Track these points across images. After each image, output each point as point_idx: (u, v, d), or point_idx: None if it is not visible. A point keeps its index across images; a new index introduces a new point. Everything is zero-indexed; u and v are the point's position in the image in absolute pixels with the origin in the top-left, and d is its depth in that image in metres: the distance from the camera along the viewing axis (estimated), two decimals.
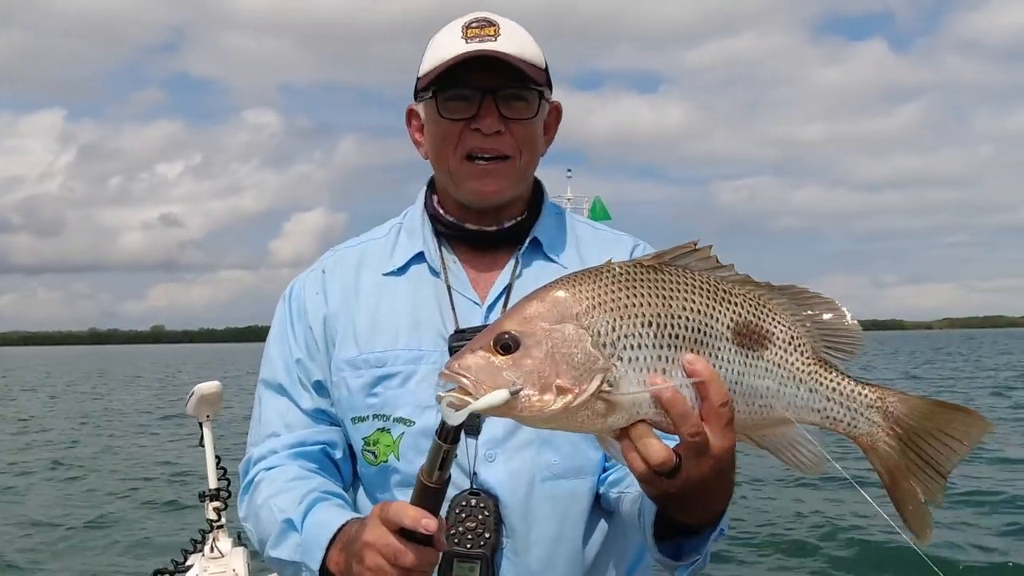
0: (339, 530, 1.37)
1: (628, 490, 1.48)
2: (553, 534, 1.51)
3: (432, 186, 1.69)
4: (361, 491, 1.62)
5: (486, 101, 1.51)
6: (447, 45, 1.54)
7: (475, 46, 1.51)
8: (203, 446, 3.88)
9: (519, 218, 1.63)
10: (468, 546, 1.46)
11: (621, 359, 1.07)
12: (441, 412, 1.08)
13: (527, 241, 1.62)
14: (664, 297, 1.10)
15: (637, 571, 1.65)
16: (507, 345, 1.07)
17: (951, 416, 1.16)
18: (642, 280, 1.11)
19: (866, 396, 1.16)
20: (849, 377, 1.17)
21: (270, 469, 1.57)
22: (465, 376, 1.07)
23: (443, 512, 1.26)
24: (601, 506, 1.56)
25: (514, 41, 1.53)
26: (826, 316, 1.18)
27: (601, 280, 1.10)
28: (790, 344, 1.15)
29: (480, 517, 1.47)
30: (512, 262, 1.61)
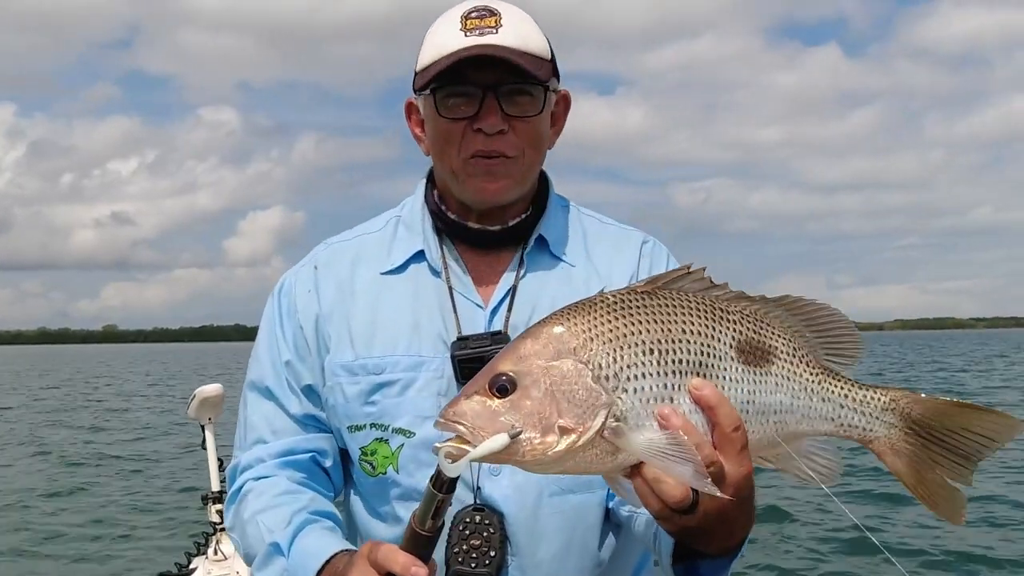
0: (327, 562, 1.32)
1: (641, 511, 1.41)
2: (561, 550, 1.45)
3: (432, 179, 1.60)
4: (358, 500, 1.56)
5: (488, 99, 1.42)
6: (446, 38, 1.44)
7: (475, 40, 1.41)
8: (205, 448, 3.86)
9: (524, 215, 1.54)
10: (473, 565, 1.39)
11: (626, 391, 1.03)
12: (439, 463, 1.03)
13: (532, 240, 1.54)
14: (663, 322, 1.06)
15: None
16: (504, 387, 1.02)
17: (976, 416, 1.14)
18: (638, 307, 1.06)
19: (879, 399, 1.14)
20: (857, 383, 1.15)
21: (258, 479, 1.51)
22: (461, 423, 1.02)
23: (446, 529, 1.22)
24: (608, 519, 1.51)
25: (517, 33, 1.43)
26: (823, 323, 1.15)
27: (596, 311, 1.06)
28: (794, 356, 1.12)
29: (485, 534, 1.40)
30: (516, 262, 1.53)
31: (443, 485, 1.08)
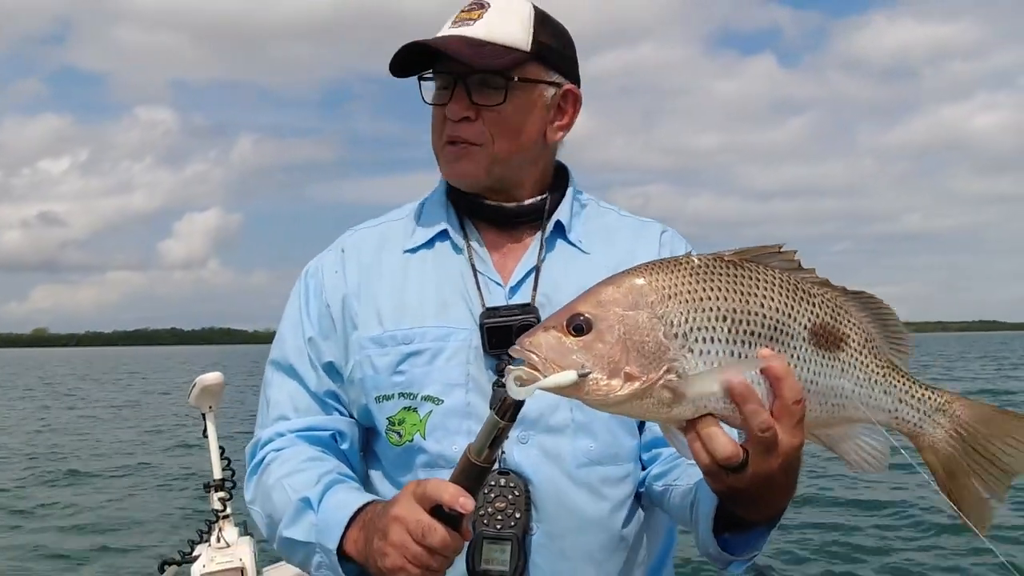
0: (359, 510, 1.33)
1: (677, 483, 1.45)
2: (587, 520, 1.47)
3: None
4: (379, 474, 1.58)
5: (457, 88, 1.50)
6: (437, 28, 1.54)
7: (450, 31, 1.51)
8: (206, 437, 3.86)
9: (540, 197, 1.60)
10: (498, 527, 1.41)
11: (692, 351, 1.06)
12: (507, 386, 1.06)
13: (552, 224, 1.59)
14: (742, 293, 1.09)
15: (668, 558, 1.63)
16: (580, 327, 1.06)
17: (1020, 426, 1.18)
18: (721, 274, 1.10)
19: (935, 399, 1.18)
20: (917, 380, 1.18)
21: (280, 450, 1.53)
22: (535, 353, 1.06)
23: None
24: (633, 494, 1.54)
25: (491, 25, 1.49)
26: (888, 320, 1.19)
27: (679, 271, 1.09)
28: (864, 346, 1.15)
29: (510, 497, 1.43)
30: (536, 243, 1.57)
31: (507, 411, 1.11)
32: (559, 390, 1.05)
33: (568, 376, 1.03)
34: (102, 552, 8.67)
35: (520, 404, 1.10)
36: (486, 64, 1.47)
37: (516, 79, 1.50)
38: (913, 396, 1.17)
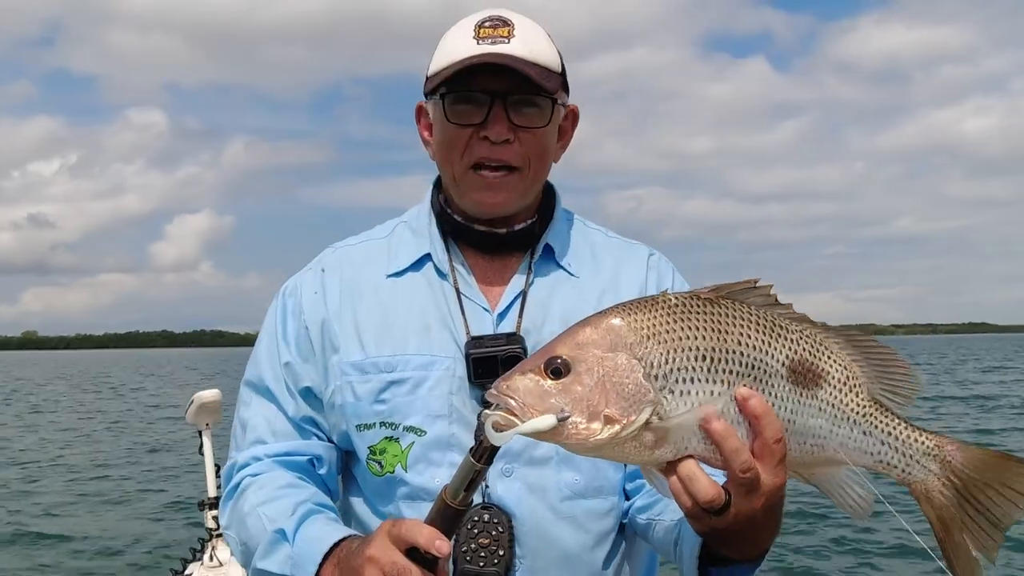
0: (335, 545, 1.30)
1: (660, 517, 1.44)
2: (570, 554, 1.45)
3: (439, 184, 1.61)
4: (359, 501, 1.55)
5: (496, 107, 1.43)
6: (458, 44, 1.46)
7: (487, 48, 1.43)
8: (202, 454, 3.85)
9: (530, 221, 1.56)
10: (481, 564, 1.39)
11: (672, 392, 1.05)
12: (485, 431, 1.05)
13: (540, 248, 1.55)
14: (719, 331, 1.08)
15: None
16: (558, 370, 1.05)
17: (1016, 470, 1.13)
18: (698, 313, 1.09)
19: (923, 443, 1.13)
20: (906, 422, 1.14)
21: (257, 476, 1.49)
22: (513, 397, 1.04)
23: None
24: (617, 526, 1.51)
25: (527, 44, 1.45)
26: (881, 360, 1.15)
27: (657, 310, 1.08)
28: (845, 384, 1.13)
29: (494, 533, 1.40)
30: (525, 268, 1.54)
31: (483, 455, 1.09)
32: (538, 435, 1.03)
33: (547, 420, 1.02)
34: (91, 571, 8.63)
35: (496, 449, 1.08)
36: (546, 85, 1.44)
37: (558, 100, 1.49)
38: (896, 438, 1.13)
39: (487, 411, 1.06)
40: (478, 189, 1.48)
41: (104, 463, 15.25)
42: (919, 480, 1.13)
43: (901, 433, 1.13)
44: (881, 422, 1.13)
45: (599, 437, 1.03)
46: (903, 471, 1.13)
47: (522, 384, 1.05)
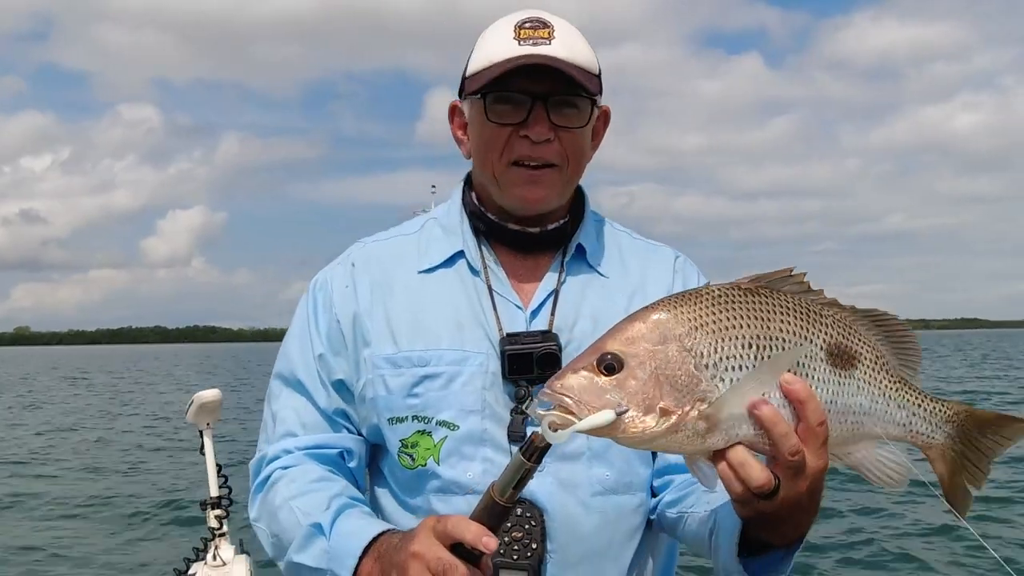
0: (374, 539, 1.30)
1: (692, 510, 1.46)
2: (601, 549, 1.48)
3: (469, 182, 1.63)
4: (387, 494, 1.56)
5: (537, 108, 1.46)
6: (499, 46, 1.48)
7: (528, 49, 1.45)
8: (203, 454, 3.84)
9: (562, 221, 1.58)
10: (515, 557, 1.41)
11: (723, 380, 1.08)
12: (541, 431, 1.06)
13: (572, 247, 1.58)
14: (762, 319, 1.12)
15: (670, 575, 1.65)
16: (611, 366, 1.07)
17: (1013, 425, 1.25)
18: (741, 302, 1.13)
19: (944, 411, 1.23)
20: (927, 394, 1.23)
21: (287, 468, 1.50)
22: (568, 396, 1.06)
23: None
24: (645, 522, 1.55)
25: (568, 45, 1.47)
26: (898, 336, 1.23)
27: (701, 302, 1.12)
28: (876, 363, 1.19)
29: (527, 527, 1.43)
30: (557, 267, 1.56)
31: (534, 454, 1.10)
32: (595, 431, 1.06)
33: (605, 416, 1.04)
34: (95, 569, 8.57)
35: (547, 448, 1.09)
36: (587, 86, 1.46)
37: (596, 102, 1.52)
38: (924, 409, 1.21)
39: (539, 410, 1.07)
40: (520, 184, 1.50)
41: (105, 463, 15.09)
42: (939, 443, 1.23)
43: (928, 404, 1.22)
44: (910, 395, 1.21)
45: (655, 429, 1.05)
46: (928, 437, 1.22)
47: (576, 382, 1.07)
